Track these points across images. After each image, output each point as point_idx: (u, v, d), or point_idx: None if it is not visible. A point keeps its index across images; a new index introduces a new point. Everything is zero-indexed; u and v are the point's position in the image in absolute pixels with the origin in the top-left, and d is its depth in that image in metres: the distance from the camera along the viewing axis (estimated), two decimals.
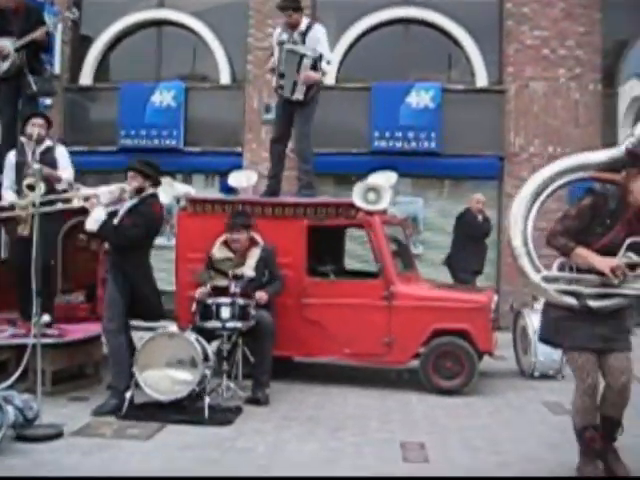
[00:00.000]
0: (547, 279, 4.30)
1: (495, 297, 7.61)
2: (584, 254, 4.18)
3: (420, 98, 12.54)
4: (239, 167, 11.83)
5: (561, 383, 7.55)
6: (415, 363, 7.09)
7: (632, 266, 4.16)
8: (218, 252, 6.65)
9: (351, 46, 13.15)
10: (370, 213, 7.09)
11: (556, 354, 7.67)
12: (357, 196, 7.07)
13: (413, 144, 12.50)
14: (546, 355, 7.68)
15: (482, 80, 12.99)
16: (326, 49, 7.60)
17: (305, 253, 7.16)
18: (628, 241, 4.14)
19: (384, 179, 7.42)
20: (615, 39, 13.16)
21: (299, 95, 7.52)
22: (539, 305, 8.16)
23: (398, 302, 6.94)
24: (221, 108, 13.27)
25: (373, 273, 7.29)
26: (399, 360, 7.12)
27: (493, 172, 12.80)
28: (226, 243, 6.70)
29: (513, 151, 12.77)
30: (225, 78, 13.48)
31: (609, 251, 4.16)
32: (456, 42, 13.10)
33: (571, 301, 4.24)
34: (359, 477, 3.84)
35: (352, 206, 7.12)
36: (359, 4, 13.21)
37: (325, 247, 7.81)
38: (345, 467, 4.59)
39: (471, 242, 9.92)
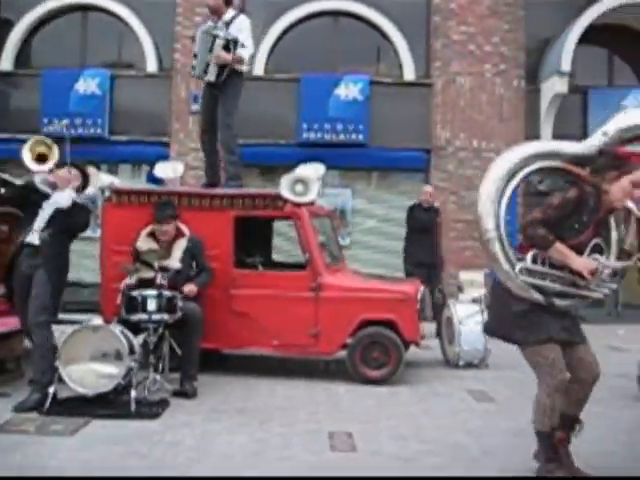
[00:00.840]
0: (524, 271, 4.04)
1: (421, 288, 7.72)
2: (564, 251, 3.98)
3: (349, 90, 12.63)
4: (166, 157, 11.71)
5: (485, 372, 7.75)
6: (343, 354, 7.14)
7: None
8: (143, 244, 6.55)
9: (280, 37, 13.13)
10: (298, 205, 7.10)
11: (480, 344, 7.87)
12: (285, 188, 7.07)
13: (341, 136, 12.60)
14: (470, 345, 7.86)
15: (410, 74, 13.16)
16: (246, 37, 7.57)
17: (232, 245, 7.12)
18: (593, 242, 4.04)
19: (312, 171, 7.43)
20: (538, 37, 13.52)
21: (211, 77, 7.50)
22: (464, 296, 8.39)
23: (325, 293, 6.98)
24: (148, 97, 13.05)
25: (301, 265, 7.31)
26: (327, 351, 7.16)
27: (420, 165, 13.00)
28: (152, 234, 6.60)
29: (439, 144, 13.00)
30: (152, 66, 13.27)
31: (578, 250, 4.02)
32: (384, 35, 13.23)
33: (538, 297, 4.05)
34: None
35: (280, 198, 7.11)
36: None
37: (253, 239, 7.79)
38: (272, 458, 4.60)
39: (419, 235, 9.60)
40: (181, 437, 5.01)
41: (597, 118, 12.89)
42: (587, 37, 12.45)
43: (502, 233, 4.09)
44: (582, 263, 3.97)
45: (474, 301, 8.22)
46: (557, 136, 12.77)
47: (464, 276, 8.82)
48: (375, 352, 7.00)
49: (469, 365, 7.93)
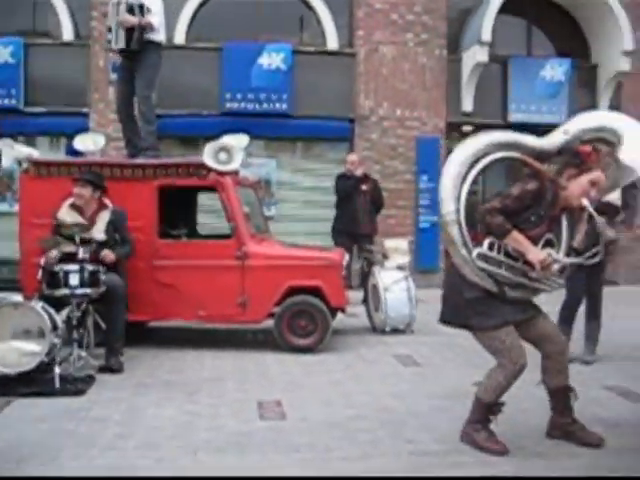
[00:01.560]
0: (481, 257, 4.02)
1: (346, 256, 7.79)
2: (520, 240, 3.98)
3: (272, 59, 12.51)
4: (85, 129, 11.38)
5: (411, 337, 7.91)
6: (270, 323, 7.16)
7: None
8: (65, 216, 6.37)
9: (201, 5, 12.87)
10: (222, 173, 7.03)
11: (406, 309, 8.01)
12: (208, 156, 6.98)
13: (265, 105, 12.49)
14: (396, 311, 7.99)
15: (333, 43, 13.12)
16: (154, 4, 7.57)
17: (156, 215, 7.03)
18: (545, 237, 4.05)
19: (236, 141, 7.36)
20: (459, 7, 13.67)
21: (120, 43, 7.49)
22: (389, 263, 8.49)
23: (251, 262, 6.96)
24: (64, 66, 12.62)
25: (226, 235, 7.26)
26: (254, 320, 7.17)
27: (344, 134, 13.04)
28: (73, 206, 6.43)
29: (363, 113, 13.04)
30: (68, 34, 12.83)
31: (532, 243, 4.04)
32: (307, 4, 13.13)
33: (491, 285, 4.05)
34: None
35: (203, 166, 7.02)
36: None
37: (177, 209, 7.70)
38: (202, 429, 4.59)
39: (343, 203, 9.73)
40: (108, 412, 4.95)
41: (517, 87, 13.21)
42: (507, 7, 12.64)
43: (461, 218, 4.06)
44: (537, 254, 3.98)
45: (399, 268, 8.34)
46: (478, 104, 13.04)
47: (389, 244, 8.90)
48: (302, 320, 7.04)
49: (395, 331, 8.06)
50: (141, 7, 7.44)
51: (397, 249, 8.66)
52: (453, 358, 6.83)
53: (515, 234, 3.98)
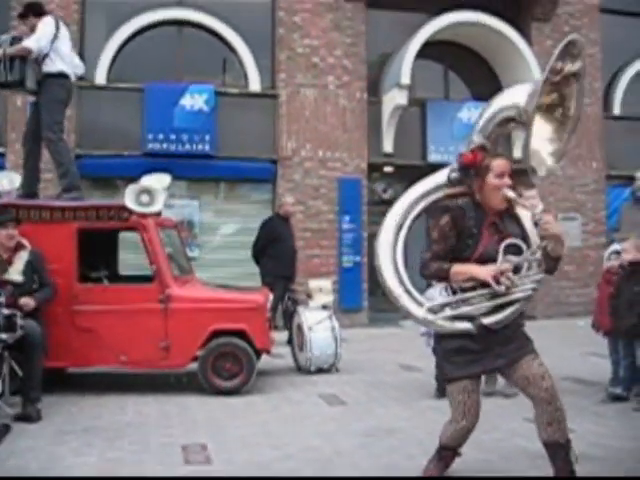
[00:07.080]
0: (432, 310, 3.93)
1: (271, 297, 7.77)
2: (462, 269, 3.81)
3: (194, 100, 12.53)
4: (1, 168, 11.10)
5: (335, 376, 7.91)
6: (194, 365, 7.06)
7: (515, 270, 3.82)
8: None
9: (123, 45, 12.80)
10: (144, 216, 6.95)
11: (330, 349, 8.03)
12: (130, 198, 6.89)
13: (187, 146, 12.46)
14: (321, 350, 8.00)
15: (255, 85, 13.25)
16: (39, 32, 7.26)
17: (76, 258, 6.86)
18: (503, 245, 3.79)
19: (157, 181, 7.31)
20: (379, 51, 14.04)
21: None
22: (313, 303, 8.53)
23: (174, 305, 6.86)
24: None
25: (148, 278, 7.15)
26: (178, 364, 7.04)
27: (267, 175, 13.11)
28: None
29: (286, 154, 13.16)
30: None
31: (488, 260, 3.81)
32: (230, 46, 13.24)
33: (465, 325, 3.85)
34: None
35: (124, 209, 6.93)
36: (130, 3, 12.92)
37: (97, 252, 7.55)
38: (125, 475, 4.47)
39: (278, 246, 9.74)
40: (25, 462, 4.76)
41: (434, 128, 13.60)
42: (425, 52, 13.06)
43: (407, 287, 4.05)
44: (483, 271, 3.76)
45: (323, 308, 8.38)
46: (398, 145, 13.35)
47: (313, 283, 8.95)
48: (227, 362, 6.95)
49: (320, 370, 8.06)
50: (12, 39, 7.22)
51: (321, 289, 8.71)
52: (378, 396, 6.87)
53: (455, 268, 3.82)
